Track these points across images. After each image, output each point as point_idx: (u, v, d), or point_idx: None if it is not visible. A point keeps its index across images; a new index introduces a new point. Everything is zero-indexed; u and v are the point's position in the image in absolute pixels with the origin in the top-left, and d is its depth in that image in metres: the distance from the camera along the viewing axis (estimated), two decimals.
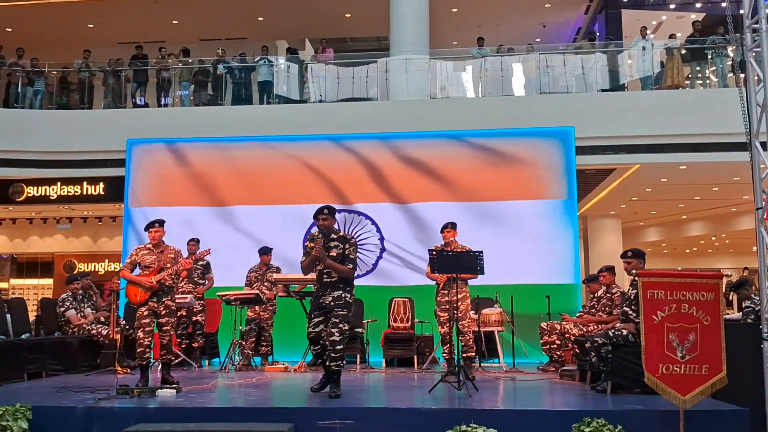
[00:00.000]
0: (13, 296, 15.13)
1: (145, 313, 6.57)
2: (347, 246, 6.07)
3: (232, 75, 13.05)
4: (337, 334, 5.89)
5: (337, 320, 5.93)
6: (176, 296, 7.25)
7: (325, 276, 6.04)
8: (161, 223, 6.84)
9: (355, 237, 7.41)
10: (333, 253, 6.02)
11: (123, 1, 16.01)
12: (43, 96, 13.21)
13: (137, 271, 6.71)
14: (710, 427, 4.79)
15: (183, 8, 16.50)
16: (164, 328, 6.63)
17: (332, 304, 5.98)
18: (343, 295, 6.01)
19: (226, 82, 13.00)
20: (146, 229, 6.82)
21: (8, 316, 8.46)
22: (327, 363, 5.99)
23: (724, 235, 19.78)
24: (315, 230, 6.25)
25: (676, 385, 4.68)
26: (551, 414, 5.14)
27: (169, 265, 6.65)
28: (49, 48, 15.45)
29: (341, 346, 5.91)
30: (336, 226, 6.31)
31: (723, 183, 13.52)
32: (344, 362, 6.07)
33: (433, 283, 7.69)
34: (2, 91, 13.16)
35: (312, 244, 6.04)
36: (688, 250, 23.26)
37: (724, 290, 9.78)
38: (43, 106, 13.16)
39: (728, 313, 8.87)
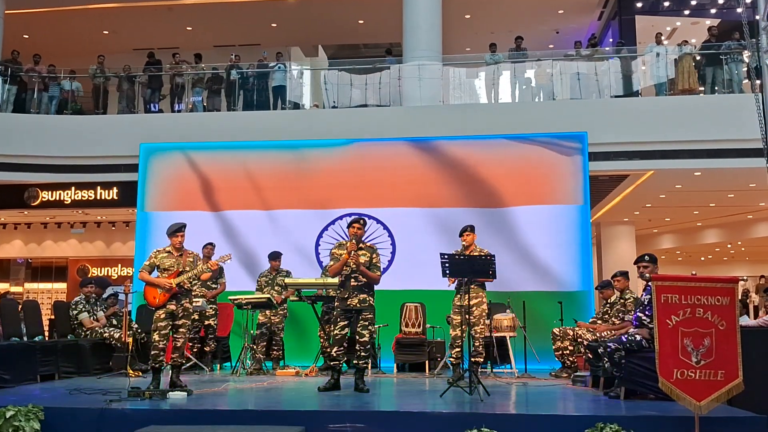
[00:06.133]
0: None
1: (162, 316, 6.57)
2: (374, 255, 6.83)
3: (245, 81, 13.10)
4: (367, 336, 6.70)
5: (367, 323, 6.71)
6: None
7: (352, 280, 6.69)
8: (185, 226, 6.84)
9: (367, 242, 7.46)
10: (362, 260, 6.69)
11: (138, 9, 16.15)
12: (58, 101, 13.31)
13: (155, 273, 6.71)
14: None
15: (197, 15, 16.62)
16: (180, 330, 6.65)
17: (358, 306, 6.68)
18: (367, 299, 6.74)
19: (239, 87, 13.04)
20: (172, 232, 6.75)
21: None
22: (355, 361, 6.73)
23: (740, 243, 19.58)
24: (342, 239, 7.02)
25: (691, 391, 4.60)
26: (563, 419, 5.08)
27: (188, 269, 6.68)
28: (65, 55, 15.59)
29: (369, 345, 6.79)
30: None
31: (738, 190, 13.40)
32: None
33: (446, 287, 7.66)
34: (18, 96, 13.28)
35: (340, 252, 6.73)
36: (703, 258, 23.05)
37: (740, 296, 9.65)
38: (58, 111, 13.28)
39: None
